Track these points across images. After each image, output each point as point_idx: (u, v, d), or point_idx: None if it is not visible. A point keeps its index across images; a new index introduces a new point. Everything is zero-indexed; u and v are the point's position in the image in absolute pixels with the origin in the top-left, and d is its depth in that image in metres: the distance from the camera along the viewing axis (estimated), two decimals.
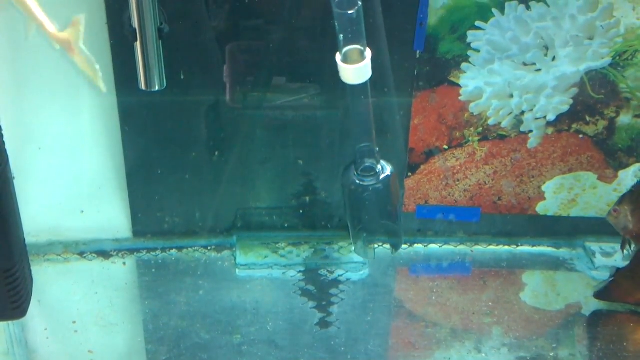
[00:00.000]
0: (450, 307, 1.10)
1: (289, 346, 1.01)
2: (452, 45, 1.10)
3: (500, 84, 1.12)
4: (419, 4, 1.06)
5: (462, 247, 1.24)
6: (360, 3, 0.91)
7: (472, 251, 1.24)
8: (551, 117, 1.15)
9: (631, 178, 1.19)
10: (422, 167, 1.19)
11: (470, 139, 1.17)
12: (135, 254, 1.20)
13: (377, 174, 1.05)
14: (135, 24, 0.91)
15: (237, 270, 1.16)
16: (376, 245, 1.19)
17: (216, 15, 1.07)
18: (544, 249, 1.24)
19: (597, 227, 1.23)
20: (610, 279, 1.09)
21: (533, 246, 1.24)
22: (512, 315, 1.09)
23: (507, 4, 1.07)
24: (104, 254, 1.19)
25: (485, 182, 1.20)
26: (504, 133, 1.16)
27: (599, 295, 1.10)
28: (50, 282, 1.13)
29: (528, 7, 1.07)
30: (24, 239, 0.95)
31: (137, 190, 1.18)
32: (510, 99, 1.14)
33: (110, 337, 1.03)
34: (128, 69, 0.98)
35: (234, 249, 1.19)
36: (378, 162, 1.05)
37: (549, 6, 1.07)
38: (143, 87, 0.95)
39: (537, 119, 1.15)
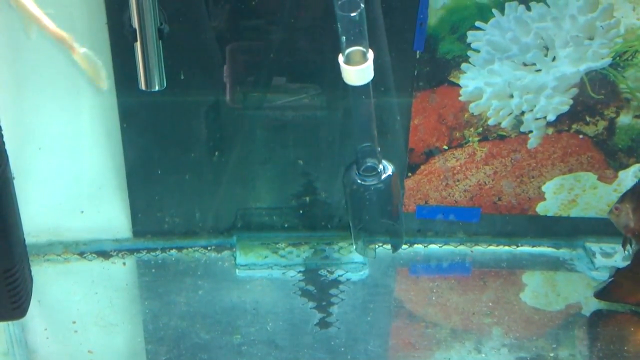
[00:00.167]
0: (450, 308, 1.10)
1: (289, 346, 1.01)
2: (452, 46, 1.10)
3: (500, 84, 1.12)
4: (419, 4, 1.06)
5: (462, 248, 1.24)
6: (362, 6, 0.91)
7: (472, 251, 1.24)
8: (551, 117, 1.15)
9: (631, 178, 1.19)
10: (422, 167, 1.19)
11: (470, 139, 1.17)
12: (135, 254, 1.20)
13: (378, 174, 1.05)
14: (135, 24, 0.91)
15: (237, 270, 1.16)
16: (377, 245, 1.19)
17: (216, 16, 1.07)
18: (544, 249, 1.24)
19: (597, 228, 1.23)
20: (611, 279, 1.09)
21: (533, 246, 1.24)
22: (512, 315, 1.09)
23: (507, 4, 1.07)
24: (104, 254, 1.19)
25: (485, 183, 1.20)
26: (504, 133, 1.16)
27: (599, 295, 1.10)
28: (50, 282, 1.13)
29: (528, 8, 1.07)
30: (24, 239, 0.95)
31: (137, 191, 1.18)
32: (510, 99, 1.14)
33: (110, 337, 1.03)
34: (128, 69, 0.98)
35: (234, 249, 1.19)
36: (380, 162, 1.05)
37: (549, 6, 1.07)
38: (143, 87, 0.95)
39: (537, 119, 1.15)
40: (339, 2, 0.91)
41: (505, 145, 1.17)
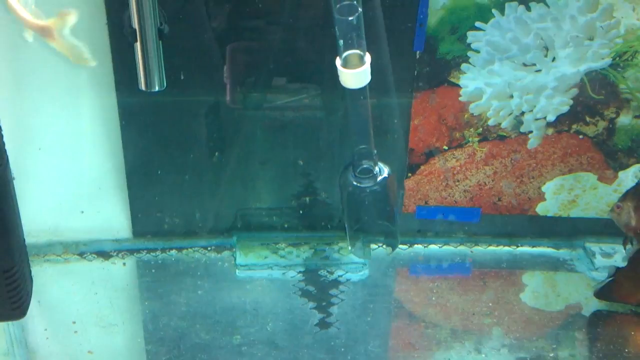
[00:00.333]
0: (450, 308, 1.10)
1: (289, 347, 1.01)
2: (452, 46, 1.10)
3: (500, 85, 1.12)
4: (419, 4, 1.06)
5: (462, 248, 1.24)
6: (360, 10, 0.92)
7: (472, 252, 1.23)
8: (551, 117, 1.15)
9: (631, 179, 1.19)
10: (422, 167, 1.19)
11: (470, 139, 1.17)
12: (135, 254, 1.20)
13: (374, 176, 1.06)
14: (135, 24, 0.91)
15: (237, 270, 1.16)
16: (375, 246, 1.19)
17: (216, 16, 1.07)
18: (544, 250, 1.24)
19: (597, 228, 1.23)
20: (610, 279, 1.09)
21: (533, 247, 1.24)
22: (512, 315, 1.09)
23: (507, 4, 1.07)
24: (104, 255, 1.19)
25: (485, 183, 1.20)
26: (504, 134, 1.16)
27: (599, 294, 1.10)
28: (50, 282, 1.13)
29: (528, 8, 1.07)
30: (24, 240, 0.95)
31: (137, 191, 1.18)
32: (510, 99, 1.14)
33: (110, 337, 1.03)
34: (128, 70, 0.98)
35: (234, 250, 1.19)
36: (376, 164, 1.06)
37: (549, 7, 1.07)
38: (143, 87, 0.95)
39: (537, 119, 1.15)
40: (338, 6, 0.92)
41: (505, 145, 1.17)
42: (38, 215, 1.16)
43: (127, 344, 1.02)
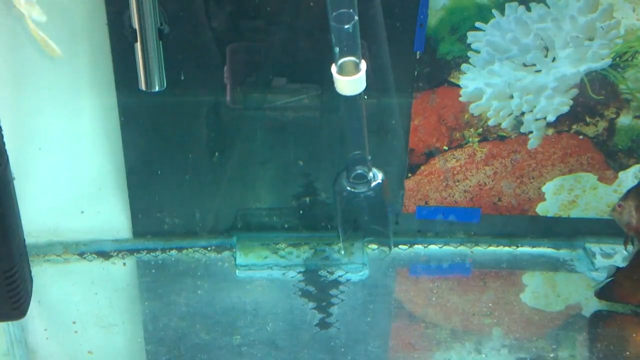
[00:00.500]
0: (450, 308, 1.10)
1: (289, 347, 1.01)
2: (452, 46, 1.10)
3: (500, 85, 1.12)
4: (419, 4, 1.06)
5: (462, 248, 1.24)
6: (356, 18, 0.93)
7: (472, 252, 1.23)
8: (551, 118, 1.15)
9: (631, 179, 1.19)
10: (422, 167, 1.19)
11: (470, 139, 1.17)
12: (135, 254, 1.20)
13: (368, 182, 1.08)
14: (136, 24, 0.91)
15: (237, 270, 1.16)
16: (374, 247, 1.19)
17: (216, 16, 1.07)
18: (544, 250, 1.24)
19: (597, 228, 1.23)
20: (610, 278, 1.09)
21: (533, 247, 1.24)
22: (512, 316, 1.08)
23: (507, 4, 1.07)
24: (104, 255, 1.19)
25: (486, 183, 1.20)
26: (504, 134, 1.16)
27: (599, 294, 1.10)
28: (50, 282, 1.13)
29: (528, 8, 1.07)
30: (24, 240, 0.95)
31: (137, 191, 1.18)
32: (510, 99, 1.14)
33: (110, 337, 1.03)
34: (128, 70, 0.98)
35: (234, 250, 1.19)
36: (370, 170, 1.07)
37: (549, 7, 1.07)
38: (143, 87, 0.95)
39: (537, 119, 1.15)
40: (334, 14, 0.93)
41: (505, 145, 1.17)
42: (38, 215, 1.16)
43: (127, 344, 1.02)
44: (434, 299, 1.12)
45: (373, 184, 1.08)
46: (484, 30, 1.09)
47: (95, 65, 1.08)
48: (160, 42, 0.93)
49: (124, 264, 1.18)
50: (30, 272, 0.97)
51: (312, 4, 1.06)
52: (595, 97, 1.13)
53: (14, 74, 1.07)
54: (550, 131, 1.16)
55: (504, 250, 1.24)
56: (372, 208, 1.10)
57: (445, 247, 1.24)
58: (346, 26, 0.93)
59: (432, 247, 1.24)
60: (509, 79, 1.12)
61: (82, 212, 1.19)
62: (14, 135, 1.06)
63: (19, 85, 1.08)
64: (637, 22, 1.07)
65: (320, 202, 1.20)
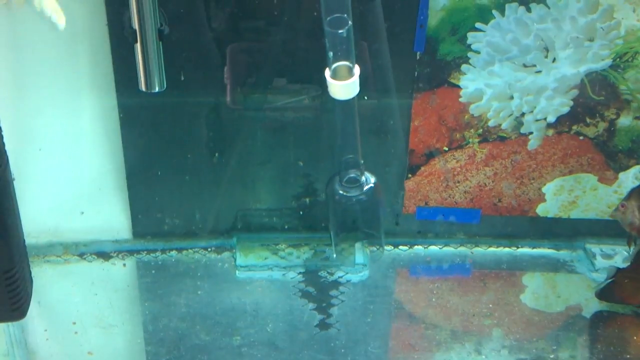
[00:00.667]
0: (450, 309, 1.10)
1: (289, 348, 1.01)
2: (452, 47, 1.10)
3: (501, 86, 1.12)
4: (419, 5, 1.06)
5: (462, 249, 1.24)
6: (350, 23, 0.94)
7: (472, 253, 1.23)
8: (551, 118, 1.15)
9: (632, 180, 1.18)
10: (423, 168, 1.19)
11: (470, 140, 1.17)
12: (135, 255, 1.20)
13: (361, 185, 1.08)
14: (136, 25, 0.91)
15: (237, 271, 1.16)
16: (373, 248, 1.20)
17: (216, 17, 1.07)
18: (544, 251, 1.24)
19: (597, 229, 1.23)
20: (611, 279, 1.09)
21: (533, 248, 1.24)
22: (512, 317, 1.08)
23: (507, 5, 1.07)
24: (104, 255, 1.19)
25: (486, 184, 1.20)
26: (504, 134, 1.16)
27: (600, 295, 1.10)
28: (50, 283, 1.13)
29: (528, 9, 1.07)
30: (24, 240, 0.95)
31: (137, 192, 1.18)
32: (510, 100, 1.14)
33: (110, 338, 1.03)
34: (128, 70, 0.98)
35: (234, 251, 1.19)
36: (362, 174, 1.08)
37: (549, 8, 1.07)
38: (143, 88, 0.95)
39: (537, 120, 1.15)
40: (328, 19, 0.94)
41: (505, 146, 1.17)
42: (38, 216, 1.16)
43: (127, 345, 1.02)
44: (434, 299, 1.12)
45: (365, 187, 1.09)
46: (484, 31, 1.09)
47: (95, 65, 1.08)
48: (160, 42, 0.93)
49: (124, 264, 1.18)
50: (30, 272, 0.97)
51: (312, 4, 1.06)
52: (595, 97, 1.13)
53: (14, 74, 1.07)
54: (551, 132, 1.16)
55: (504, 251, 1.24)
56: (365, 211, 1.10)
57: (446, 248, 1.24)
58: (340, 31, 0.94)
59: (432, 247, 1.24)
60: (509, 79, 1.12)
61: (82, 212, 1.18)
62: (14, 135, 1.06)
63: (19, 85, 1.08)
64: (638, 22, 1.07)
65: (320, 202, 1.20)
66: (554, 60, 1.10)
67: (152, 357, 0.99)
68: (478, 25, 1.08)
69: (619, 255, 1.20)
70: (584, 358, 1.02)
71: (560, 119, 1.15)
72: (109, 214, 1.19)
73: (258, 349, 1.00)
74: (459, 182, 1.20)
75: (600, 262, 1.20)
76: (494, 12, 1.07)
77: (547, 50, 1.10)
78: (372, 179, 1.09)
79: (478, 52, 1.10)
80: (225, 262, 1.19)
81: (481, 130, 1.16)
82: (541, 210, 1.22)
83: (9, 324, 1.02)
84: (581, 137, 1.16)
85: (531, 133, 1.16)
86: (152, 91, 0.95)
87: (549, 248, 1.24)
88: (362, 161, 1.07)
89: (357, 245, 1.18)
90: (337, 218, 1.12)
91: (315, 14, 1.07)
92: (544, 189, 1.20)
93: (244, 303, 1.09)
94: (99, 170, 1.16)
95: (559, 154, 1.17)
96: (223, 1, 1.06)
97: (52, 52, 1.06)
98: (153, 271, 1.16)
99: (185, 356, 0.98)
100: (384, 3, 1.06)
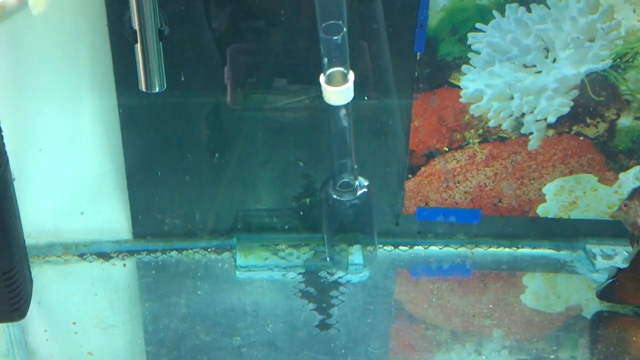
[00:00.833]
0: (451, 310, 1.10)
1: (289, 348, 1.01)
2: (452, 47, 1.10)
3: (501, 86, 1.12)
4: (419, 5, 1.06)
5: (462, 249, 1.24)
6: (345, 29, 0.95)
7: (472, 253, 1.23)
8: (552, 119, 1.15)
9: (632, 180, 1.18)
10: (423, 169, 1.19)
11: (470, 140, 1.17)
12: (135, 255, 1.20)
13: (354, 190, 1.09)
14: (136, 25, 0.91)
15: (237, 272, 1.16)
16: (372, 248, 1.19)
17: (217, 17, 1.07)
18: (545, 251, 1.24)
19: (597, 229, 1.22)
20: (612, 279, 1.09)
21: (533, 248, 1.24)
22: (512, 317, 1.08)
23: (507, 5, 1.07)
24: (104, 256, 1.19)
25: (486, 184, 1.20)
26: (505, 135, 1.16)
27: (600, 295, 1.10)
28: (50, 283, 1.13)
29: (528, 9, 1.07)
30: (24, 241, 0.95)
31: (137, 192, 1.18)
32: (510, 100, 1.14)
33: (110, 338, 1.03)
34: (128, 71, 0.98)
35: (234, 251, 1.19)
36: (356, 179, 1.09)
37: (549, 8, 1.07)
38: (143, 88, 0.95)
39: (537, 120, 1.15)
40: (323, 25, 0.95)
41: (505, 146, 1.17)
42: (38, 216, 1.16)
43: (127, 345, 1.02)
44: (434, 300, 1.12)
45: (359, 192, 1.10)
46: (484, 32, 1.09)
47: (95, 66, 1.08)
48: (161, 43, 0.93)
49: (124, 265, 1.18)
50: (30, 273, 0.97)
51: (312, 5, 1.06)
52: (595, 98, 1.13)
53: (14, 74, 1.07)
54: (551, 132, 1.16)
55: (505, 251, 1.24)
56: (358, 215, 1.12)
57: (446, 248, 1.24)
58: (335, 37, 0.95)
59: (433, 248, 1.24)
60: (510, 80, 1.12)
61: (82, 213, 1.18)
62: (14, 136, 1.06)
63: (19, 85, 1.08)
64: (638, 23, 1.07)
65: (320, 203, 1.20)
66: (554, 60, 1.10)
67: (152, 358, 0.99)
68: (478, 25, 1.08)
69: (619, 256, 1.20)
70: (585, 358, 1.02)
71: (560, 120, 1.15)
72: (109, 215, 1.19)
73: (258, 350, 1.00)
74: (459, 182, 1.20)
75: (600, 262, 1.20)
76: (494, 12, 1.07)
77: (548, 51, 1.10)
78: (365, 183, 1.10)
79: (478, 53, 1.10)
80: (225, 262, 1.19)
81: (481, 130, 1.16)
82: (541, 210, 1.22)
83: (9, 324, 1.02)
84: (581, 138, 1.16)
85: (531, 133, 1.16)
86: (152, 91, 0.95)
87: (549, 248, 1.24)
88: (356, 166, 1.08)
89: (356, 246, 1.18)
90: (331, 222, 1.13)
91: (315, 14, 1.07)
92: (544, 190, 1.20)
93: (244, 303, 1.09)
94: (99, 170, 1.16)
95: (559, 154, 1.17)
96: (223, 1, 1.06)
97: (52, 52, 1.06)
98: (153, 271, 1.16)
99: (185, 356, 0.98)
100: (384, 3, 1.06)
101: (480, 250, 1.24)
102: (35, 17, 1.02)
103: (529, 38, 1.09)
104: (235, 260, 1.18)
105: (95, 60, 1.08)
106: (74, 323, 1.04)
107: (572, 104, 1.14)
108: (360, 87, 1.09)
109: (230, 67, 1.10)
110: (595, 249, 1.22)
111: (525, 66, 1.11)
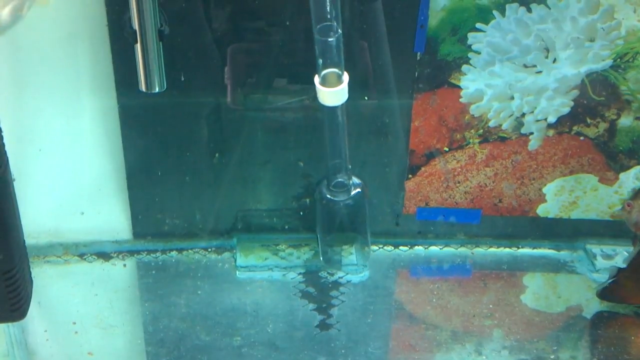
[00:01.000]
0: (451, 310, 1.10)
1: (289, 348, 1.01)
2: (452, 47, 1.10)
3: (501, 86, 1.12)
4: (420, 5, 1.06)
5: (462, 249, 1.24)
6: (340, 31, 0.96)
7: (472, 253, 1.23)
8: (552, 119, 1.15)
9: (632, 180, 1.18)
10: (423, 169, 1.19)
11: (470, 140, 1.17)
12: (135, 255, 1.20)
13: (348, 190, 1.11)
14: (136, 25, 0.91)
15: (237, 272, 1.16)
16: (375, 248, 1.19)
17: (217, 17, 1.07)
18: (545, 251, 1.24)
19: (598, 230, 1.22)
20: (612, 279, 1.09)
21: (534, 248, 1.24)
22: (512, 317, 1.08)
23: (507, 5, 1.07)
24: (104, 256, 1.19)
25: (486, 184, 1.20)
26: (505, 135, 1.16)
27: (601, 294, 1.10)
28: (50, 283, 1.13)
29: (529, 9, 1.07)
30: (24, 241, 0.95)
31: (137, 192, 1.18)
32: (510, 100, 1.13)
33: (110, 338, 1.03)
34: (128, 71, 0.98)
35: (234, 251, 1.19)
36: (350, 179, 1.09)
37: (549, 8, 1.07)
38: (143, 88, 0.95)
39: (537, 120, 1.15)
40: (318, 27, 0.95)
41: (505, 147, 1.17)
42: (38, 216, 1.16)
43: (127, 345, 1.02)
44: (434, 300, 1.12)
45: (353, 192, 1.11)
46: (484, 31, 1.09)
47: (95, 66, 1.08)
48: (161, 43, 0.93)
49: (124, 265, 1.18)
50: (30, 273, 0.97)
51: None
52: (596, 98, 1.13)
53: (14, 74, 1.07)
54: (551, 132, 1.16)
55: (505, 251, 1.24)
56: (352, 215, 1.13)
57: (446, 249, 1.24)
58: (330, 39, 0.96)
59: (433, 248, 1.24)
60: (510, 80, 1.12)
61: (82, 213, 1.18)
62: (14, 136, 1.06)
63: (19, 85, 1.08)
64: (638, 23, 1.07)
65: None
66: (554, 60, 1.10)
67: (152, 358, 0.99)
68: (478, 25, 1.08)
69: (620, 256, 1.20)
70: (585, 358, 1.02)
71: (560, 120, 1.15)
72: (109, 215, 1.19)
73: (258, 350, 1.00)
74: (459, 182, 1.20)
75: (600, 262, 1.20)
76: (494, 12, 1.07)
77: (548, 51, 1.10)
78: (359, 183, 1.11)
79: (478, 53, 1.10)
80: (225, 262, 1.19)
81: (482, 130, 1.16)
82: (542, 210, 1.22)
83: (9, 324, 1.02)
84: (582, 138, 1.16)
85: (532, 133, 1.16)
86: (152, 91, 0.95)
87: (549, 248, 1.24)
88: (350, 166, 1.09)
89: (356, 246, 1.18)
90: (325, 221, 1.13)
91: None
92: (544, 190, 1.20)
93: (244, 303, 1.09)
94: (99, 170, 1.16)
95: (559, 154, 1.17)
96: (223, 1, 1.06)
97: (52, 52, 1.06)
98: (153, 271, 1.16)
99: (185, 356, 0.98)
100: (384, 3, 1.06)
101: (480, 250, 1.24)
102: (35, 17, 1.02)
103: (529, 38, 1.09)
104: (235, 260, 1.18)
105: (95, 60, 1.08)
106: (74, 323, 1.04)
107: (572, 104, 1.13)
108: (360, 87, 1.10)
109: (230, 67, 1.10)
110: (595, 249, 1.22)
111: (525, 66, 1.11)
